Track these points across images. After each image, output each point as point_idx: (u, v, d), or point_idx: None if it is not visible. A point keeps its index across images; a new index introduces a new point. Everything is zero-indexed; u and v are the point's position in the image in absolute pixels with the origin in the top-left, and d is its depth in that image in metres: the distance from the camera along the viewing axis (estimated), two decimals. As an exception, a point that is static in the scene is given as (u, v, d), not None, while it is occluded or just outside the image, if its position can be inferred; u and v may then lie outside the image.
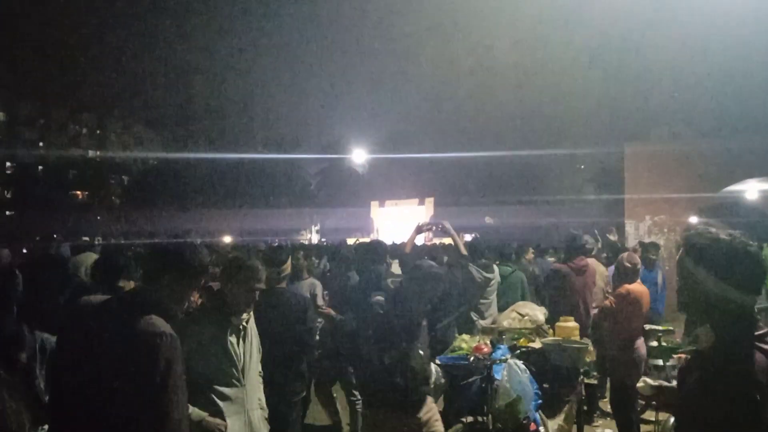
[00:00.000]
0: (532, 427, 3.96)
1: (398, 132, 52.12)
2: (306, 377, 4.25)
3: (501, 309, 5.75)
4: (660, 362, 5.65)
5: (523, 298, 6.06)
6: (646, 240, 10.32)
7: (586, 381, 4.91)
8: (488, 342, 4.51)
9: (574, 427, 4.75)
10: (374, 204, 27.53)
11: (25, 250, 13.98)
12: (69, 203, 44.10)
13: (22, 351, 3.10)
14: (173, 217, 36.61)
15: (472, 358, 4.20)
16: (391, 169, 47.10)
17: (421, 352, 3.53)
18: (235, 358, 3.05)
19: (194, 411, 2.81)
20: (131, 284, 3.39)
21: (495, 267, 6.08)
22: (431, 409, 3.62)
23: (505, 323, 5.13)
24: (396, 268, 6.13)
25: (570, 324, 4.87)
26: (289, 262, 4.21)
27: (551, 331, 4.99)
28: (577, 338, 4.77)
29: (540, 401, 4.13)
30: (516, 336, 4.86)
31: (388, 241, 8.92)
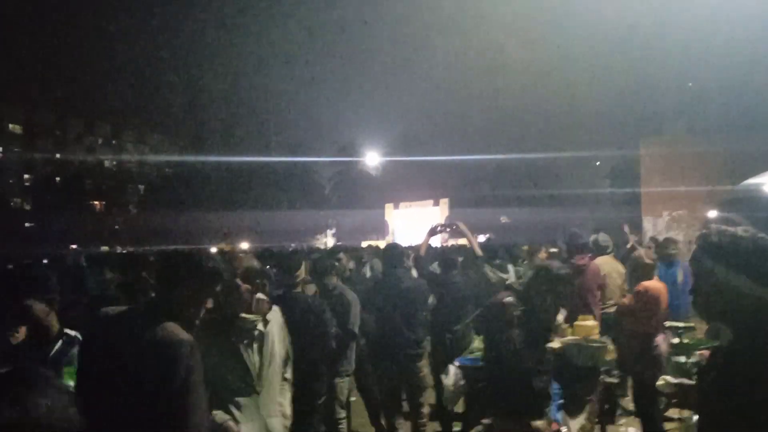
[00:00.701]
0: (554, 426, 3.94)
1: (412, 134, 52.19)
2: (325, 380, 4.25)
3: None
4: (682, 359, 5.58)
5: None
6: (664, 236, 10.18)
7: (606, 380, 4.87)
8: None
9: (597, 427, 4.71)
10: (389, 206, 27.54)
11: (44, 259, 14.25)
12: (85, 211, 44.67)
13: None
14: (188, 223, 36.79)
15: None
16: (405, 171, 47.09)
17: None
18: (248, 363, 2.95)
19: (218, 414, 2.79)
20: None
21: (510, 267, 6.05)
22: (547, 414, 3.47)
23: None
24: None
25: (589, 323, 4.83)
26: (303, 267, 4.23)
27: (569, 330, 4.95)
28: (597, 337, 4.74)
29: (561, 401, 4.10)
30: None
31: (405, 244, 8.90)
